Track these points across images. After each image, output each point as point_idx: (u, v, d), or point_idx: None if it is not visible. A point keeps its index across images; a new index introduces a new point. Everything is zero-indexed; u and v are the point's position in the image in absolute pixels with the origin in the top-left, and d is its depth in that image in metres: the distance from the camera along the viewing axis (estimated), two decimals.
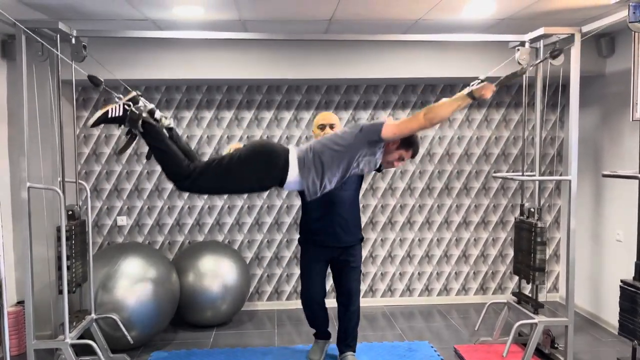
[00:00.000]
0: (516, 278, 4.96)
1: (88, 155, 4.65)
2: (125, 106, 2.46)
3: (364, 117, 4.80)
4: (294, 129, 4.76)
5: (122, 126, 2.49)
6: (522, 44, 3.55)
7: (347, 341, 3.52)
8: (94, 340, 3.31)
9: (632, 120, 3.32)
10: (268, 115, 4.75)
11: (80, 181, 3.60)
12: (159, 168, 4.62)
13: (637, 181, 2.71)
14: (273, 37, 3.60)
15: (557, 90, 4.68)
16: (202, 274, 4.15)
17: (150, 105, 2.56)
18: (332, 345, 3.81)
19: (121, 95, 2.55)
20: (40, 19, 3.37)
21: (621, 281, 2.63)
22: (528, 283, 3.54)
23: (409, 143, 2.59)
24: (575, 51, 3.33)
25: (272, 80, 4.49)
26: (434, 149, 4.87)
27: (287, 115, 4.76)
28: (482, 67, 4.21)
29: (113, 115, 2.46)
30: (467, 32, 3.95)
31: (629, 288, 2.57)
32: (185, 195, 4.73)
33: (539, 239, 3.40)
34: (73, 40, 3.25)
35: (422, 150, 4.86)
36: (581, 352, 3.71)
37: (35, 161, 3.46)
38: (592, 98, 4.48)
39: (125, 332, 3.52)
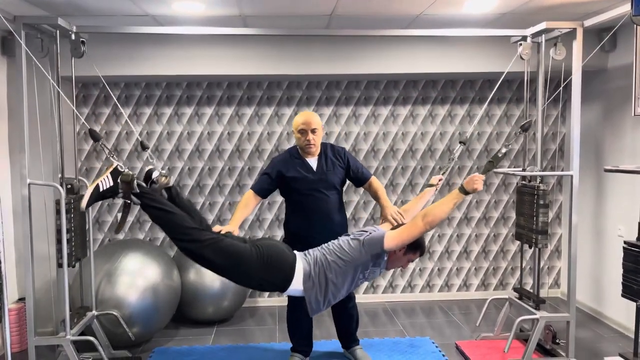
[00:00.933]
0: (517, 274, 4.96)
1: (89, 152, 4.65)
2: (118, 168, 2.40)
3: (365, 113, 4.78)
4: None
5: (116, 197, 2.43)
6: (524, 38, 3.53)
7: (352, 336, 3.52)
8: (95, 337, 3.30)
9: (634, 115, 3.32)
10: (269, 111, 4.74)
11: (80, 178, 3.59)
12: (159, 165, 4.64)
13: (639, 176, 2.70)
14: (273, 33, 3.59)
15: (558, 85, 4.66)
16: (203, 270, 4.12)
17: (149, 167, 2.54)
18: (334, 341, 3.81)
19: (113, 155, 2.54)
20: (39, 15, 3.36)
21: (624, 242, 2.61)
22: (530, 247, 3.51)
23: (415, 246, 2.61)
24: (577, 46, 3.31)
25: (273, 76, 4.48)
26: (434, 145, 4.86)
27: (288, 112, 4.74)
28: (484, 62, 4.24)
29: (104, 187, 2.39)
30: (468, 27, 3.93)
31: (633, 248, 2.54)
32: (186, 191, 4.73)
33: (541, 202, 3.37)
34: (72, 36, 3.24)
35: (421, 147, 4.85)
36: (583, 347, 3.71)
37: (35, 158, 3.45)
38: (593, 93, 4.46)
39: (127, 329, 3.52)
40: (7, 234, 3.82)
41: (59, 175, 3.42)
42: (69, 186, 3.30)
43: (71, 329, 3.12)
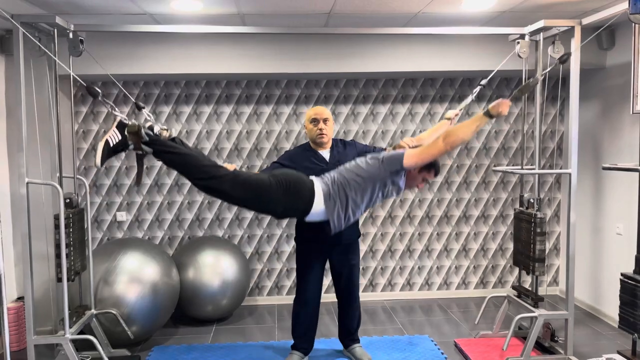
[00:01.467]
0: (516, 271, 4.97)
1: (87, 150, 4.64)
2: (122, 121, 2.41)
3: (364, 111, 4.78)
4: (293, 123, 4.75)
5: (128, 150, 2.44)
6: (522, 36, 3.53)
7: (352, 335, 3.53)
8: (95, 336, 3.30)
9: (633, 113, 3.32)
10: (267, 109, 4.73)
11: (79, 176, 3.59)
12: (158, 164, 4.67)
13: (637, 174, 2.71)
14: (272, 31, 3.58)
15: (557, 84, 4.67)
16: (202, 269, 4.15)
17: (148, 123, 2.52)
18: (334, 339, 3.82)
19: (115, 108, 2.53)
20: (37, 14, 3.36)
21: (621, 274, 2.63)
22: (528, 274, 3.54)
23: (430, 164, 2.61)
24: (576, 44, 3.31)
25: (272, 75, 4.47)
26: None
27: (287, 110, 4.74)
28: (482, 60, 4.24)
29: (114, 142, 2.40)
30: (467, 25, 3.93)
31: (629, 281, 2.57)
32: (185, 190, 4.72)
33: (538, 230, 3.40)
34: (70, 35, 3.23)
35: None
36: (581, 345, 3.71)
37: (33, 157, 3.45)
38: (592, 91, 4.47)
39: (126, 327, 3.52)
40: (5, 232, 3.83)
41: (57, 174, 3.42)
42: (68, 200, 3.29)
43: (70, 327, 3.12)
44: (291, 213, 2.61)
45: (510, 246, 4.99)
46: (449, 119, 3.15)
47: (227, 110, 4.71)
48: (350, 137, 4.78)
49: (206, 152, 4.72)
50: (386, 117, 4.80)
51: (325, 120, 3.24)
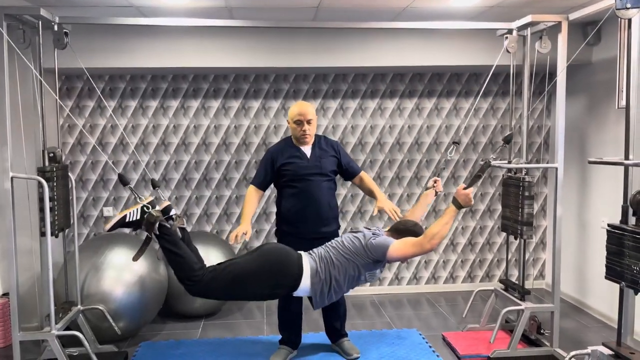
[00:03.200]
0: (503, 265, 5.01)
1: (73, 145, 4.59)
2: (144, 208, 2.51)
3: (352, 106, 4.78)
4: (281, 118, 4.73)
5: (139, 230, 2.58)
6: (510, 31, 3.54)
7: (339, 330, 3.55)
8: (81, 332, 3.27)
9: (618, 108, 3.35)
10: (255, 104, 4.71)
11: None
12: (145, 158, 4.63)
13: (622, 168, 2.73)
14: (260, 25, 3.56)
15: (544, 79, 4.69)
16: None
17: (166, 203, 2.61)
18: (322, 333, 3.82)
19: (142, 197, 2.60)
20: (22, 6, 3.30)
21: (608, 224, 2.64)
22: (515, 238, 3.56)
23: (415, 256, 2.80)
24: (563, 39, 3.33)
25: (259, 69, 4.45)
26: (421, 138, 4.87)
27: (275, 105, 4.73)
28: (470, 55, 4.25)
29: (130, 219, 2.51)
30: (455, 20, 3.94)
31: (616, 231, 2.57)
32: (173, 185, 4.69)
33: (526, 193, 3.42)
34: (55, 27, 3.18)
35: (409, 140, 4.86)
36: (567, 337, 3.75)
37: (18, 151, 3.40)
38: (578, 86, 4.50)
39: (113, 323, 3.50)
40: None
41: (37, 167, 3.37)
42: (51, 155, 3.25)
43: (56, 323, 3.09)
44: (280, 291, 2.72)
45: (498, 240, 5.03)
46: (428, 188, 3.26)
47: (215, 104, 4.68)
48: (339, 132, 4.78)
49: (193, 147, 4.69)
50: (375, 112, 4.81)
51: (309, 122, 3.25)
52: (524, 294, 3.55)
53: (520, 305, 3.46)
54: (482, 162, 2.91)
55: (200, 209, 4.75)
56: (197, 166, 4.72)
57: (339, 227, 3.46)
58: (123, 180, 2.88)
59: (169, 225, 2.55)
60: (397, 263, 4.95)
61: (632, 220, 2.57)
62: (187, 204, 4.73)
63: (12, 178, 2.96)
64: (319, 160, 3.31)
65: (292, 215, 3.31)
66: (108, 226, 2.51)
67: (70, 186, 3.46)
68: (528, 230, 3.45)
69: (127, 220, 2.52)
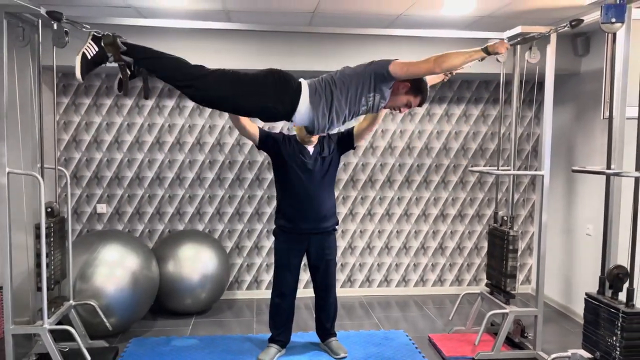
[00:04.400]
0: None
1: (68, 142, 4.62)
2: (95, 35, 2.33)
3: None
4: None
5: (107, 63, 2.36)
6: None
7: (329, 329, 3.62)
8: (72, 327, 3.31)
9: (603, 118, 3.44)
10: None
11: (59, 167, 3.59)
12: (139, 156, 4.67)
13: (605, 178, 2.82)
14: (256, 28, 3.62)
15: (533, 88, 4.79)
16: (182, 262, 4.18)
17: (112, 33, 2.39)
18: (312, 333, 3.89)
19: (90, 29, 2.46)
20: (21, 4, 3.34)
21: (586, 294, 2.73)
22: (500, 293, 3.67)
23: (418, 89, 2.51)
24: (551, 50, 3.42)
25: None
26: (413, 142, 4.95)
27: None
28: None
29: (92, 54, 2.33)
30: (447, 29, 4.02)
31: (593, 301, 2.68)
32: (166, 184, 4.74)
33: (510, 247, 3.54)
34: (55, 26, 3.22)
35: (401, 144, 4.94)
36: (550, 341, 3.84)
37: (14, 147, 3.43)
38: (567, 96, 4.60)
39: (104, 319, 3.54)
40: None
41: (38, 165, 3.41)
42: (49, 210, 3.30)
43: (48, 318, 3.13)
44: (280, 107, 2.38)
45: (486, 245, 5.10)
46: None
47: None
48: None
49: (187, 147, 4.74)
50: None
51: None
52: (508, 297, 3.64)
53: (504, 308, 3.55)
54: None
55: (193, 207, 4.80)
56: (191, 165, 4.77)
57: (337, 222, 3.57)
58: (55, 16, 2.63)
59: (129, 42, 2.35)
60: (388, 263, 5.03)
61: (608, 292, 2.67)
62: (180, 203, 4.78)
63: (8, 173, 3.00)
64: (322, 160, 3.44)
65: (292, 212, 3.42)
66: (77, 73, 2.32)
67: (67, 239, 3.51)
68: (511, 283, 3.58)
69: (89, 57, 2.33)
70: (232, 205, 4.83)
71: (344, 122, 2.48)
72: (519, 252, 3.75)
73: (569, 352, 2.82)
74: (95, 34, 2.34)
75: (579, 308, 4.38)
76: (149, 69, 2.35)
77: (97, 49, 2.33)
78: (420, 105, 2.60)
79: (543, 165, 3.49)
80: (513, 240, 3.54)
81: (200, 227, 4.82)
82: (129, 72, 2.40)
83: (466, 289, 4.91)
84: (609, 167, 2.69)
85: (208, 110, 4.73)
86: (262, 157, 4.80)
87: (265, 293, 4.89)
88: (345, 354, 3.55)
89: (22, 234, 3.48)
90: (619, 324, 2.48)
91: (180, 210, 4.79)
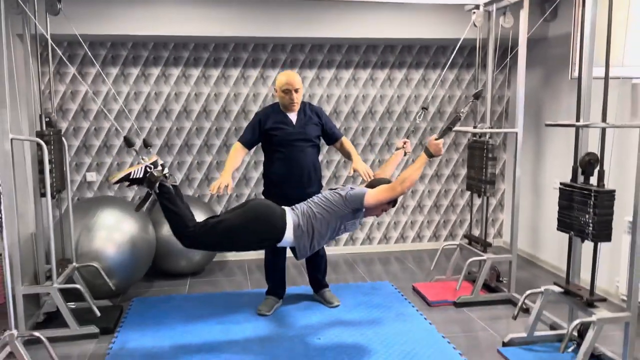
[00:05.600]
0: (465, 225, 5.45)
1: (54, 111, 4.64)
2: (147, 169, 2.69)
3: (328, 76, 5.02)
4: (260, 87, 4.93)
5: (140, 186, 2.76)
6: (477, 7, 3.85)
7: (321, 281, 3.87)
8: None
9: (570, 79, 3.74)
10: (235, 73, 4.89)
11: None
12: (127, 124, 4.75)
13: (574, 132, 3.10)
14: None
15: (505, 52, 5.06)
16: None
17: (161, 161, 2.81)
18: (303, 287, 4.14)
19: (145, 157, 2.74)
20: None
21: (560, 183, 3.01)
22: (479, 196, 3.96)
23: (390, 200, 2.89)
24: (524, 15, 3.66)
25: (239, 38, 4.61)
26: (392, 107, 5.18)
27: (254, 73, 4.91)
28: (439, 28, 4.55)
29: (134, 176, 2.70)
30: None
31: (567, 188, 2.96)
32: (155, 151, 4.84)
33: (490, 155, 3.81)
34: None
35: (381, 109, 5.16)
36: (521, 285, 4.19)
37: (14, 115, 3.50)
38: (535, 59, 4.89)
39: (107, 279, 3.68)
40: None
41: (35, 131, 3.49)
42: (47, 119, 3.43)
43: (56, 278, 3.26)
44: (266, 243, 2.93)
45: (460, 202, 5.44)
46: (399, 148, 3.42)
47: (196, 73, 4.83)
48: (315, 101, 5.02)
49: (174, 115, 4.84)
50: (349, 82, 5.07)
51: (296, 90, 3.48)
52: (486, 246, 3.96)
53: (482, 256, 3.87)
54: (454, 115, 3.10)
55: (182, 174, 4.93)
56: (178, 133, 4.88)
57: (321, 187, 3.74)
58: (129, 143, 3.01)
59: (168, 185, 2.75)
60: (370, 222, 5.30)
61: (580, 178, 2.96)
62: (169, 169, 4.87)
63: (11, 140, 3.08)
64: (304, 127, 3.56)
65: (278, 178, 3.56)
66: (114, 179, 2.71)
67: (64, 150, 3.60)
68: (491, 188, 3.84)
69: (131, 177, 2.72)
70: (219, 170, 4.98)
71: (325, 243, 2.96)
72: (497, 164, 3.89)
73: (542, 288, 3.14)
74: (148, 168, 2.70)
75: (545, 256, 4.78)
76: (162, 209, 2.77)
77: (140, 176, 2.70)
78: (393, 207, 3.02)
79: (517, 123, 3.77)
80: (492, 148, 3.80)
81: (190, 193, 4.97)
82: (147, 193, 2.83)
83: (443, 244, 5.23)
84: (578, 120, 2.97)
85: (193, 78, 4.82)
86: (247, 123, 4.93)
87: (254, 254, 5.10)
88: (338, 302, 3.82)
89: (22, 201, 3.56)
90: (592, 203, 2.75)
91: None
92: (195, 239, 2.75)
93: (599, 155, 2.84)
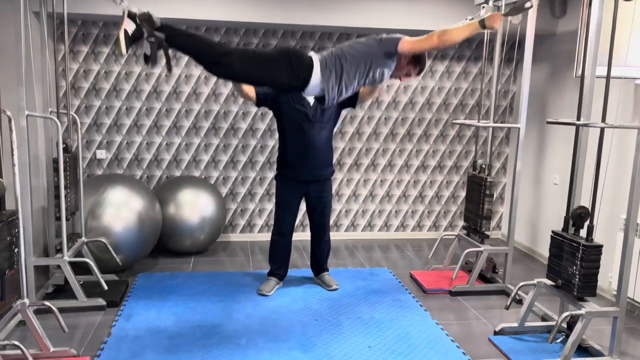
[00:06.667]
0: None
1: (66, 89, 4.73)
2: (130, 12, 2.39)
3: None
4: None
5: (144, 39, 2.42)
6: (487, 1, 3.90)
7: (322, 265, 3.98)
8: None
9: (575, 76, 3.78)
10: None
11: (73, 114, 3.76)
12: (137, 104, 4.84)
13: (574, 130, 3.17)
14: None
15: (512, 47, 5.10)
16: (182, 205, 4.45)
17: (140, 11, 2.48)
18: (304, 269, 4.25)
19: (125, 3, 2.45)
20: None
21: (552, 232, 3.11)
22: (475, 232, 4.08)
23: (418, 60, 2.76)
24: (533, 10, 3.70)
25: (249, 24, 4.66)
26: (398, 97, 5.24)
27: None
28: (447, 21, 4.57)
29: (131, 30, 2.41)
30: None
31: (557, 237, 3.07)
32: (164, 131, 4.94)
33: (487, 192, 3.92)
34: None
35: (387, 98, 5.23)
36: (517, 277, 4.29)
37: (29, 92, 3.58)
38: (542, 55, 4.93)
39: (114, 254, 3.81)
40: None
41: (50, 110, 3.59)
42: (64, 145, 3.49)
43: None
44: (294, 82, 2.62)
45: (462, 194, 5.53)
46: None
47: None
48: None
49: (184, 97, 4.92)
50: None
51: None
52: (483, 238, 4.05)
53: (479, 247, 3.96)
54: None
55: (189, 155, 5.03)
56: (187, 114, 4.96)
57: (333, 171, 3.86)
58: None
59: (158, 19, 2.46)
60: (372, 210, 5.40)
61: (571, 230, 3.05)
62: (177, 150, 4.99)
63: (27, 116, 3.18)
64: (321, 110, 3.62)
65: (293, 159, 3.65)
66: (123, 48, 2.41)
67: (78, 174, 3.73)
68: (486, 224, 3.97)
69: (129, 33, 2.41)
70: (226, 153, 5.08)
71: (352, 92, 2.71)
72: (494, 198, 4.12)
73: (535, 281, 3.24)
74: (131, 11, 2.42)
75: (542, 249, 4.87)
76: (180, 47, 2.50)
77: (134, 26, 2.41)
78: (418, 74, 2.89)
79: (520, 118, 3.83)
80: (490, 186, 3.91)
81: (197, 174, 5.07)
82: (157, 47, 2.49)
83: (442, 234, 5.33)
84: (578, 119, 3.04)
85: None
86: (255, 108, 5.02)
87: (257, 236, 5.23)
88: (337, 286, 3.94)
89: (35, 177, 3.67)
90: (579, 256, 2.88)
91: (177, 158, 5.01)
92: (229, 59, 2.47)
93: (595, 156, 2.91)
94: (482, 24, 2.58)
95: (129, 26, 2.43)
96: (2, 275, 2.61)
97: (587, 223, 2.98)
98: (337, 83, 2.60)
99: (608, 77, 2.86)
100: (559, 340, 3.14)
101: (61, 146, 3.31)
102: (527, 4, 2.74)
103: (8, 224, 2.62)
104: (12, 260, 2.69)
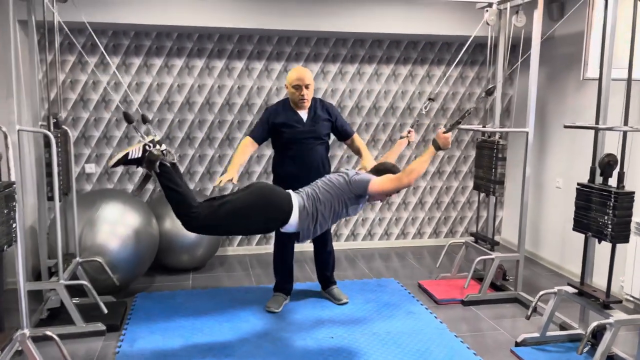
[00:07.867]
0: (465, 223, 5.46)
1: (53, 100, 4.51)
2: (146, 147, 2.53)
3: (333, 70, 4.96)
4: (264, 79, 4.85)
5: (139, 167, 2.59)
6: (490, 5, 3.83)
7: (329, 278, 3.84)
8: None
9: (583, 79, 3.74)
10: (239, 65, 4.80)
11: (64, 127, 3.54)
12: (158, 136, 4.63)
13: (576, 136, 3.12)
14: None
15: (512, 50, 5.05)
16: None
17: (157, 138, 2.63)
18: (309, 283, 4.10)
19: (144, 135, 2.58)
20: None
21: (578, 183, 3.00)
22: (487, 196, 3.96)
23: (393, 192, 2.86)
24: (538, 14, 3.66)
25: (244, 30, 4.52)
26: (396, 103, 5.15)
27: (258, 66, 4.83)
28: (447, 25, 4.52)
29: (132, 156, 2.55)
30: None
31: (585, 189, 2.96)
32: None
33: (500, 155, 3.80)
34: None
35: (383, 104, 5.13)
36: (525, 283, 4.21)
37: (20, 104, 3.37)
38: (541, 59, 4.86)
39: (111, 274, 3.59)
40: None
41: (39, 123, 3.38)
42: (55, 120, 3.32)
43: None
44: (272, 225, 2.83)
45: (461, 199, 5.46)
46: (403, 137, 3.49)
47: (199, 64, 4.73)
48: (319, 95, 4.95)
49: (176, 107, 4.74)
50: (354, 76, 5.02)
51: (307, 86, 3.41)
52: (493, 245, 3.97)
53: (490, 254, 3.88)
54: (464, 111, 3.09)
55: (183, 167, 4.84)
56: (180, 125, 4.78)
57: None
58: (128, 119, 2.74)
59: (168, 164, 2.58)
60: (372, 218, 5.29)
61: (599, 179, 2.96)
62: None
63: (18, 131, 2.97)
64: (315, 125, 3.50)
65: (288, 176, 3.49)
66: (112, 162, 2.57)
67: (70, 151, 3.51)
68: (500, 189, 3.85)
69: (129, 157, 2.56)
70: (222, 164, 4.90)
71: (326, 229, 2.89)
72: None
73: (556, 289, 3.15)
74: (147, 146, 2.52)
75: (545, 254, 4.82)
76: (164, 191, 2.60)
77: (139, 156, 2.54)
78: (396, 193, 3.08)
79: (528, 122, 3.77)
80: (502, 149, 3.79)
81: (191, 186, 4.88)
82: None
83: (443, 241, 5.25)
84: (597, 123, 2.98)
85: (197, 69, 4.72)
86: (250, 117, 4.87)
87: (255, 249, 5.06)
88: (347, 299, 3.80)
89: (25, 195, 3.46)
90: (611, 204, 2.76)
91: None
92: (201, 220, 2.59)
93: (618, 157, 2.84)
94: (437, 147, 2.78)
95: (135, 152, 2.55)
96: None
97: (616, 170, 2.85)
98: (314, 224, 2.78)
99: (629, 79, 2.81)
100: (585, 350, 3.05)
101: (52, 121, 3.16)
102: (466, 112, 3.02)
103: (5, 197, 2.42)
104: (11, 236, 2.50)
